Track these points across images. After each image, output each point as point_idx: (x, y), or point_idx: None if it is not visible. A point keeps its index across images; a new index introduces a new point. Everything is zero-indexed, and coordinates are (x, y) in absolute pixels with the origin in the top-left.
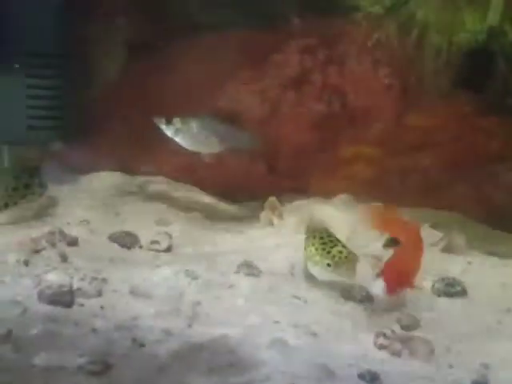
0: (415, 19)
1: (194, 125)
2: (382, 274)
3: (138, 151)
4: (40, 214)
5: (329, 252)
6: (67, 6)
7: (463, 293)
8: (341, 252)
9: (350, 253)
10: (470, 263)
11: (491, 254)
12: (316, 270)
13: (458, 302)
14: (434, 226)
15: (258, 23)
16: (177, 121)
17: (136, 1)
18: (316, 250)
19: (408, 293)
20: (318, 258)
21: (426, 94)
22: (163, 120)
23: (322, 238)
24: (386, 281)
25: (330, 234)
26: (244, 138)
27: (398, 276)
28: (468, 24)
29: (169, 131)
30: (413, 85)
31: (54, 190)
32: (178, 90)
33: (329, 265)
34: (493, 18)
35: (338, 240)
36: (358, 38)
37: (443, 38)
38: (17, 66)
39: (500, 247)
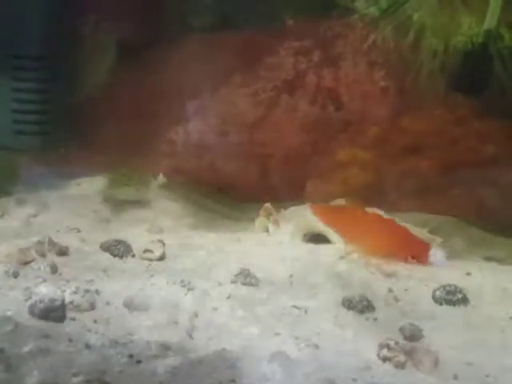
0: (411, 21)
1: None
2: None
3: (129, 154)
4: (28, 222)
5: None
6: (54, 7)
7: (465, 300)
8: None
9: None
10: (469, 269)
11: (489, 259)
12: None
13: (459, 310)
14: (432, 231)
15: (252, 25)
16: None
17: (126, 1)
18: None
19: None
20: None
21: (421, 96)
22: None
23: None
24: None
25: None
26: None
27: None
28: (465, 27)
29: None
30: (408, 88)
31: (42, 196)
32: (169, 93)
33: None
34: (490, 21)
35: None
36: (353, 41)
37: (439, 40)
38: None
39: (497, 252)
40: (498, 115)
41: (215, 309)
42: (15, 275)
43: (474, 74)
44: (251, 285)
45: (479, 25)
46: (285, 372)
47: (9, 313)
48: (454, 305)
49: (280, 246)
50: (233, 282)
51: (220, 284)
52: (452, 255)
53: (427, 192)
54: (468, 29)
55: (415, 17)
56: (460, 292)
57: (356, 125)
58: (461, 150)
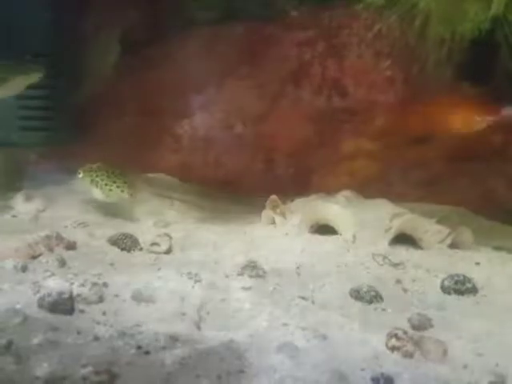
0: (417, 9)
1: None
2: None
3: (135, 149)
4: (36, 217)
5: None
6: (56, 4)
7: (474, 290)
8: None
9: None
10: (477, 259)
11: (498, 248)
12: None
13: (468, 300)
14: (440, 222)
15: (256, 16)
16: None
17: None
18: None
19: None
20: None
21: (428, 85)
22: None
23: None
24: None
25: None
26: None
27: None
28: (471, 13)
29: None
30: (415, 76)
31: (49, 191)
32: (174, 87)
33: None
34: (497, 7)
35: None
36: (358, 30)
37: (446, 28)
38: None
39: (506, 242)
40: (506, 104)
41: (222, 300)
42: (24, 269)
43: (481, 61)
44: (258, 276)
45: (486, 11)
46: (293, 362)
47: (18, 306)
48: (463, 294)
49: (287, 238)
50: (240, 274)
51: (227, 276)
52: (462, 245)
53: (435, 182)
54: (474, 15)
55: (421, 4)
56: (469, 282)
57: (362, 115)
58: (469, 139)
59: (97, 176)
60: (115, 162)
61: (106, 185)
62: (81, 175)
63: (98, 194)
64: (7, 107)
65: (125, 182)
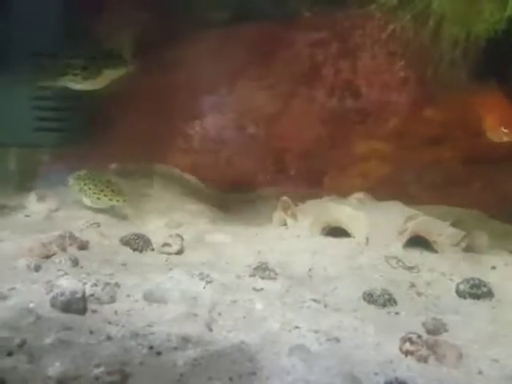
0: (431, 10)
1: None
2: None
3: (148, 150)
4: (49, 217)
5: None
6: (70, 5)
7: (489, 294)
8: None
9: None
10: (493, 263)
11: None
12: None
13: (484, 304)
14: (454, 224)
15: (268, 17)
16: None
17: None
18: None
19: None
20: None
21: (443, 86)
22: None
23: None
24: None
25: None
26: None
27: None
28: (486, 14)
29: None
30: (429, 77)
31: (62, 192)
32: (186, 88)
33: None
34: None
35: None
36: (371, 31)
37: (460, 28)
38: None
39: None
40: None
41: (234, 301)
42: (37, 269)
43: (497, 62)
44: (270, 278)
45: (501, 11)
46: (305, 365)
47: (31, 305)
48: (479, 298)
49: (298, 240)
50: (251, 275)
51: (238, 277)
52: (477, 248)
53: (450, 184)
54: (490, 15)
55: (435, 5)
56: (484, 286)
57: (375, 116)
58: (484, 141)
59: (85, 184)
60: (128, 162)
61: (93, 193)
62: (70, 183)
63: (86, 201)
64: (21, 108)
65: (113, 191)
